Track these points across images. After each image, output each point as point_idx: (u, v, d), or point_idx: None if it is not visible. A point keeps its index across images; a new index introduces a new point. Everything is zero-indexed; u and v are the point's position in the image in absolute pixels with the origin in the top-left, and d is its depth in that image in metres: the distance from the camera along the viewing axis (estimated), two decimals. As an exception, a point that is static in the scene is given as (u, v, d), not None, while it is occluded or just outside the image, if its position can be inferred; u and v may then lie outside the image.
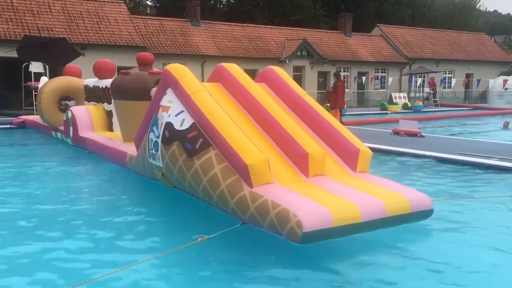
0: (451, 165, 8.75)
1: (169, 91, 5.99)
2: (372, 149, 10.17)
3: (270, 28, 32.18)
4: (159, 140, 5.77)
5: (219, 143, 4.98)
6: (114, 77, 9.59)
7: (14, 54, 17.40)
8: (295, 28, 33.27)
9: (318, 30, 34.94)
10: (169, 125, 5.62)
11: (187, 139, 5.29)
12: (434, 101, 30.71)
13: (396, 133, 13.06)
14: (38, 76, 17.57)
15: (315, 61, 30.61)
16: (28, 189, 7.16)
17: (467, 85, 36.92)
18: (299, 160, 5.13)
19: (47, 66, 18.33)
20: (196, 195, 5.49)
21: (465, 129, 17.25)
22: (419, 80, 31.12)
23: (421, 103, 27.86)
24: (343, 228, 4.19)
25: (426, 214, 4.89)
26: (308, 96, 6.34)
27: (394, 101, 26.99)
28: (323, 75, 31.89)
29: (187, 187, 5.51)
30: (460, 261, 4.36)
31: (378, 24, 37.76)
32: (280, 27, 32.77)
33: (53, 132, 12.57)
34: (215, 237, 4.51)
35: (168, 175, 5.83)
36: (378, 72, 34.58)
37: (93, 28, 23.97)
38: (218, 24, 30.44)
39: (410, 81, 32.64)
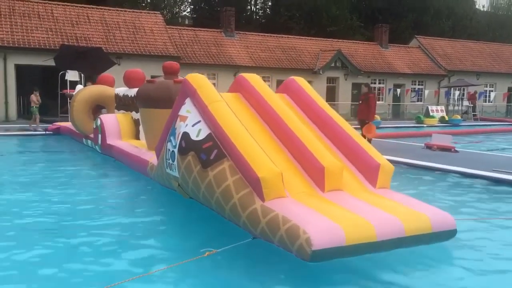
0: (483, 181, 8.33)
1: (188, 101, 5.94)
2: (401, 163, 9.78)
3: (304, 38, 32.00)
4: (176, 150, 5.71)
5: (233, 154, 4.86)
6: (140, 86, 9.65)
7: (52, 62, 17.85)
8: (330, 39, 32.99)
9: (354, 41, 34.54)
10: (185, 135, 5.56)
11: (202, 150, 5.21)
12: (474, 115, 29.73)
13: (429, 147, 12.62)
14: (74, 84, 17.99)
15: (349, 73, 30.25)
16: (47, 192, 7.24)
17: (509, 99, 35.62)
18: (315, 173, 4.95)
19: (82, 75, 18.74)
20: (210, 206, 5.39)
21: (506, 144, 16.53)
22: (457, 93, 30.15)
23: (459, 117, 26.98)
24: (357, 247, 3.99)
25: (448, 234, 4.60)
26: (329, 108, 6.16)
27: (431, 114, 26.19)
28: (357, 87, 31.39)
29: (201, 198, 5.42)
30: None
31: (416, 36, 37.01)
32: (314, 38, 32.53)
33: (83, 140, 12.78)
34: (225, 251, 4.38)
35: (184, 185, 5.76)
36: (415, 85, 33.81)
37: (129, 38, 24.46)
38: (252, 34, 30.52)
39: (447, 94, 31.72)
